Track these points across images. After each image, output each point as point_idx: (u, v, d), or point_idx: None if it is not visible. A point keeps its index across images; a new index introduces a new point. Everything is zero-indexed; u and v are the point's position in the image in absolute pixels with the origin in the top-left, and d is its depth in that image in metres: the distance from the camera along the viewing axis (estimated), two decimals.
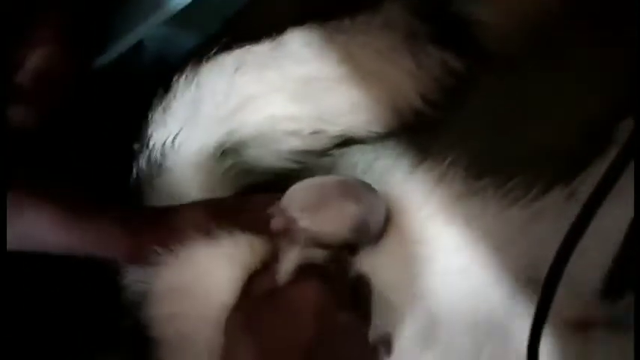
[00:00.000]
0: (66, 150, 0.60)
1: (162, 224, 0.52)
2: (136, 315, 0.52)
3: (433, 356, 0.50)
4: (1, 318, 0.46)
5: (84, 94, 0.59)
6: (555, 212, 0.49)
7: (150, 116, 0.57)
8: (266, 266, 0.49)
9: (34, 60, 0.53)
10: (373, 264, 0.51)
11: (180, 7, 0.59)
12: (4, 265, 0.47)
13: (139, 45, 0.63)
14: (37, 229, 0.50)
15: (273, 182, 0.57)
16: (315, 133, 0.56)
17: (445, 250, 0.52)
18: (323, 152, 0.57)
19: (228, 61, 0.55)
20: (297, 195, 0.51)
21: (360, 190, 0.51)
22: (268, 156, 0.57)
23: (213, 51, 0.55)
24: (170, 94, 0.56)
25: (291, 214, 0.50)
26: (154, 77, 0.59)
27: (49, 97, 0.55)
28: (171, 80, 0.57)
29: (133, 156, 0.57)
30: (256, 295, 0.46)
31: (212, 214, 0.51)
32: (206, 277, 0.50)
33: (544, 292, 0.39)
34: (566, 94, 0.55)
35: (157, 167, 0.56)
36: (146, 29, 0.61)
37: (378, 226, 0.52)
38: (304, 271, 0.46)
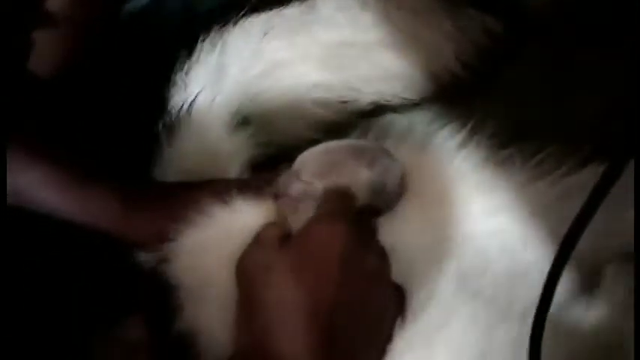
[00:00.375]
0: (81, 105, 0.57)
1: (173, 199, 0.50)
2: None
3: (466, 311, 0.49)
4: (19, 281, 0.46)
5: (106, 45, 0.56)
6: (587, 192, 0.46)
7: (172, 79, 0.54)
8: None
9: None
10: (392, 229, 0.49)
11: None
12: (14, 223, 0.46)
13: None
14: (32, 188, 0.48)
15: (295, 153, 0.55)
16: (344, 101, 0.54)
17: (470, 214, 0.50)
18: (351, 122, 0.55)
19: (255, 24, 0.53)
20: (308, 160, 0.49)
21: (373, 153, 0.50)
22: (293, 125, 0.55)
23: (241, 13, 0.52)
24: (194, 57, 0.54)
25: (303, 179, 0.48)
26: (178, 33, 0.57)
27: (72, 43, 0.53)
28: (195, 40, 0.54)
29: (152, 119, 0.55)
30: (272, 240, 0.44)
31: (223, 191, 0.49)
32: (227, 234, 0.48)
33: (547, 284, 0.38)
34: (613, 68, 0.52)
35: (176, 131, 0.54)
36: None
37: (394, 189, 0.50)
38: (325, 215, 0.45)
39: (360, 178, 0.48)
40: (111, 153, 0.54)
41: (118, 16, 0.57)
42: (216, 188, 0.50)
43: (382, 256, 0.44)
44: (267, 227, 0.46)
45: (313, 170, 0.48)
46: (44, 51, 0.51)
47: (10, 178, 0.46)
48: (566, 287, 0.47)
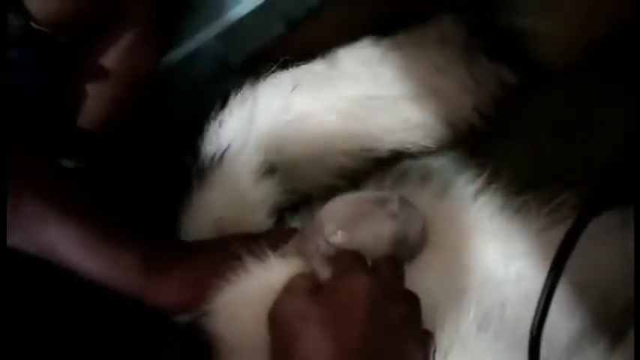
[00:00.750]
0: (124, 158, 0.59)
1: (200, 266, 0.51)
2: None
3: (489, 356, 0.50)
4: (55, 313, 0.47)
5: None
6: (602, 239, 0.47)
7: (205, 129, 0.57)
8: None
9: (121, 47, 0.52)
10: (412, 277, 0.50)
11: (238, 16, 0.58)
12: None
13: (199, 51, 0.61)
14: (54, 243, 0.47)
15: (318, 200, 0.56)
16: (366, 150, 0.56)
17: (488, 261, 0.51)
18: (371, 169, 0.57)
19: (284, 79, 0.55)
20: (333, 211, 0.51)
21: (396, 204, 0.50)
22: (316, 173, 0.57)
23: (271, 69, 0.55)
24: (226, 109, 0.57)
25: (328, 231, 0.49)
26: (212, 86, 0.60)
27: (122, 98, 0.54)
28: (228, 92, 0.57)
29: (185, 169, 0.57)
30: (302, 291, 0.45)
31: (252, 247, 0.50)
32: (262, 288, 0.50)
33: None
34: (627, 111, 0.53)
35: (207, 179, 0.56)
36: (207, 35, 0.60)
37: (416, 239, 0.51)
38: (346, 261, 0.46)
39: (384, 228, 0.49)
40: (143, 202, 0.57)
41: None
42: (243, 245, 0.50)
43: (411, 302, 0.45)
44: (297, 277, 0.47)
45: (337, 222, 0.49)
46: (94, 105, 0.53)
47: (34, 232, 0.47)
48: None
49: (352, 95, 0.55)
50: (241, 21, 0.57)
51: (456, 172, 0.56)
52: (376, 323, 0.42)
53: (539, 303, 0.40)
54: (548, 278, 0.40)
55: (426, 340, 0.45)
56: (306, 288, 0.45)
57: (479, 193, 0.53)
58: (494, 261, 0.51)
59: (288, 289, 0.46)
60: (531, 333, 0.40)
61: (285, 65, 0.56)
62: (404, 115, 0.56)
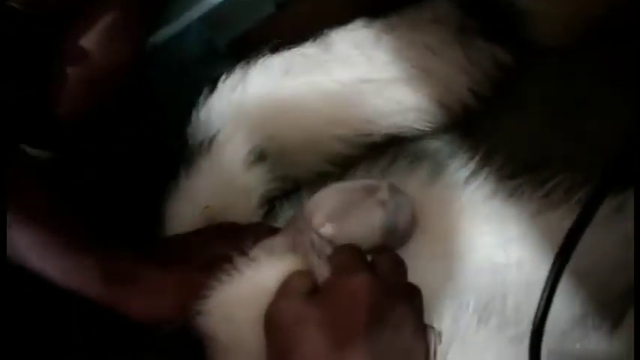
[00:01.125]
0: (105, 144, 0.57)
1: (170, 271, 0.48)
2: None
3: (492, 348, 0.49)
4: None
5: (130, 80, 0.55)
6: (599, 224, 0.44)
7: (193, 114, 0.55)
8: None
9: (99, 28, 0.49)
10: None
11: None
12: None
13: (185, 32, 0.58)
14: (21, 249, 0.46)
15: (309, 187, 0.56)
16: (361, 135, 0.55)
17: (482, 246, 0.51)
18: (365, 154, 0.56)
19: (276, 63, 0.54)
20: (321, 202, 0.49)
21: (386, 191, 0.50)
22: (309, 160, 0.56)
23: (261, 53, 0.54)
24: (215, 94, 0.55)
25: (317, 222, 0.48)
26: (200, 67, 0.58)
27: (103, 84, 0.52)
28: (217, 75, 0.55)
29: (171, 154, 0.56)
30: (298, 292, 0.44)
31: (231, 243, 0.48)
32: (254, 287, 0.48)
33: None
34: (622, 95, 0.53)
35: (195, 167, 0.55)
36: (191, 17, 0.57)
37: (406, 226, 0.50)
38: (345, 259, 0.45)
39: (374, 217, 0.48)
40: (127, 190, 0.55)
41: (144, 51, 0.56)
42: (227, 244, 0.48)
43: (412, 296, 0.44)
44: (293, 277, 0.46)
45: (326, 213, 0.48)
46: (70, 91, 0.51)
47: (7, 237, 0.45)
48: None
49: (345, 79, 0.54)
50: (227, 2, 0.55)
51: (448, 156, 0.55)
52: (378, 324, 0.40)
53: (542, 295, 0.39)
54: (551, 269, 0.39)
55: (427, 334, 0.44)
56: (303, 289, 0.44)
57: (471, 176, 0.52)
58: (490, 247, 0.50)
59: (285, 291, 0.45)
60: (533, 324, 0.39)
61: (275, 48, 0.54)
62: (398, 98, 0.55)
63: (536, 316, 0.39)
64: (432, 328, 0.44)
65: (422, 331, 0.43)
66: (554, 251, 0.46)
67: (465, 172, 0.52)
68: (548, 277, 0.38)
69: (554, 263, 0.39)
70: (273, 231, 0.50)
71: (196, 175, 0.54)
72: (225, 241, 0.49)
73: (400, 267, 0.46)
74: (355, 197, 0.49)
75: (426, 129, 0.57)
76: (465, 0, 0.56)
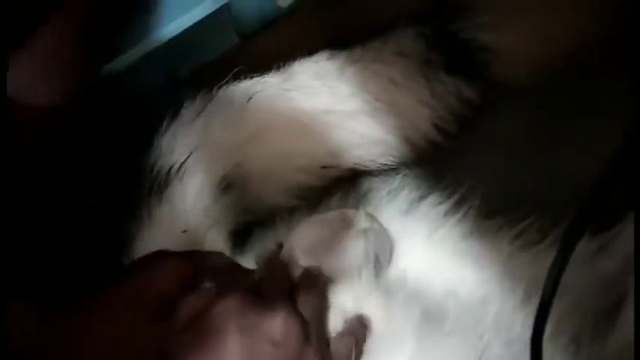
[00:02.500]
0: (56, 171, 0.54)
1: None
2: None
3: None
4: None
5: (86, 107, 0.53)
6: (579, 266, 0.45)
7: (156, 141, 0.54)
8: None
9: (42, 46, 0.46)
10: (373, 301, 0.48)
11: (183, 27, 0.56)
12: None
13: (142, 62, 0.57)
14: None
15: (276, 218, 0.55)
16: (325, 167, 0.55)
17: (456, 286, 0.50)
18: (331, 187, 0.56)
19: (240, 90, 0.53)
20: (301, 237, 0.49)
21: (364, 221, 0.50)
22: (274, 192, 0.55)
23: (224, 81, 0.53)
24: (179, 120, 0.54)
25: (297, 257, 0.48)
26: (161, 96, 0.57)
27: (46, 112, 0.49)
28: (179, 103, 0.55)
29: (135, 181, 0.54)
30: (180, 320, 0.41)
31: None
32: None
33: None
34: (596, 129, 0.52)
35: (159, 195, 0.53)
36: (156, 42, 0.56)
37: (386, 255, 0.50)
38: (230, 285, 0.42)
39: (356, 247, 0.48)
40: (86, 219, 0.53)
41: (98, 77, 0.55)
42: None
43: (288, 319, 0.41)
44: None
45: (307, 247, 0.48)
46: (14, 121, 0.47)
47: None
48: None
49: (308, 109, 0.53)
50: (188, 32, 0.54)
51: (418, 192, 0.54)
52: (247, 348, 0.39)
53: (542, 297, 0.37)
54: (552, 268, 0.37)
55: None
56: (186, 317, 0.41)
57: (447, 214, 0.52)
58: (464, 283, 0.49)
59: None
60: (533, 331, 0.38)
61: (237, 77, 0.54)
62: (361, 131, 0.55)
63: (536, 321, 0.37)
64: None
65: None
66: (526, 292, 0.47)
67: (441, 209, 0.52)
68: (548, 277, 0.36)
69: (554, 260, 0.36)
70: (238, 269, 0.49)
71: (162, 207, 0.53)
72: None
73: (282, 283, 0.44)
74: (335, 228, 0.49)
75: (392, 164, 0.57)
76: (430, 34, 0.55)
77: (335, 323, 0.46)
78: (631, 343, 0.41)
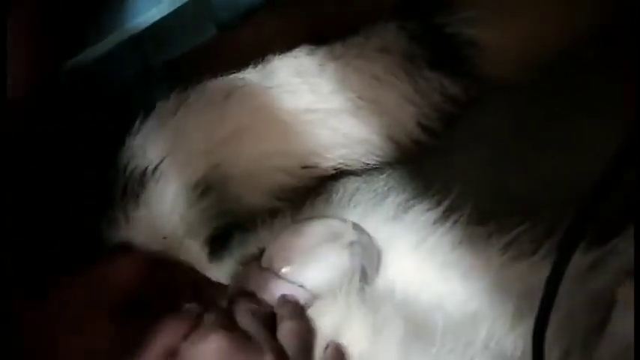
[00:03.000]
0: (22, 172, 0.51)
1: None
2: None
3: None
4: None
5: (47, 103, 0.51)
6: (572, 280, 0.43)
7: (128, 141, 0.52)
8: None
9: None
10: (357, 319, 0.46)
11: (154, 18, 0.53)
12: None
13: (111, 55, 0.54)
14: None
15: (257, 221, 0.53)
16: (306, 167, 0.53)
17: (444, 297, 0.48)
18: (314, 188, 0.54)
19: (218, 87, 0.51)
20: (283, 245, 0.48)
21: (351, 233, 0.49)
22: (254, 193, 0.53)
23: (201, 77, 0.51)
24: (152, 120, 0.52)
25: (278, 267, 0.47)
26: (134, 91, 0.55)
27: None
28: (153, 98, 0.52)
29: (106, 184, 0.51)
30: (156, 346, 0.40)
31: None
32: None
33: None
34: (590, 129, 0.51)
35: (135, 198, 0.51)
36: (128, 33, 0.54)
37: (373, 266, 0.49)
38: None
39: (341, 261, 0.47)
40: (57, 223, 0.50)
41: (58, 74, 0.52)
42: None
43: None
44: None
45: (288, 257, 0.47)
46: None
47: None
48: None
49: (289, 108, 0.51)
50: (164, 22, 0.52)
51: (405, 195, 0.53)
52: None
53: (543, 297, 0.35)
54: (555, 263, 0.35)
55: None
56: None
57: (438, 221, 0.50)
58: (452, 295, 0.47)
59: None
60: (534, 330, 0.36)
61: (215, 72, 0.51)
62: (344, 129, 0.53)
63: (537, 320, 0.36)
64: None
65: None
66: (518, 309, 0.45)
67: (432, 216, 0.50)
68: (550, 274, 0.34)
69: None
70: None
71: (136, 210, 0.51)
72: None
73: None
74: (319, 239, 0.48)
75: (375, 164, 0.55)
76: (414, 29, 0.54)
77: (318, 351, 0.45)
78: (622, 348, 0.41)
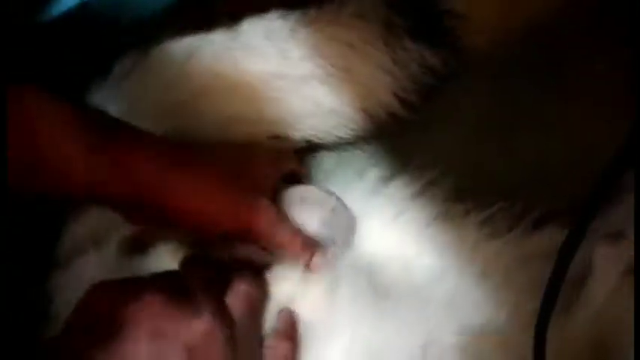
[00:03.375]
0: None
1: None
2: None
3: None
4: None
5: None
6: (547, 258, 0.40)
7: (88, 98, 0.50)
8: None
9: None
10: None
11: None
12: None
13: (81, 9, 0.51)
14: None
15: None
16: (273, 138, 0.50)
17: (419, 273, 0.47)
18: None
19: (180, 47, 0.49)
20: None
21: (322, 200, 0.48)
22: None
23: (163, 36, 0.49)
24: (113, 77, 0.50)
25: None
26: (98, 47, 0.52)
27: None
28: (115, 57, 0.50)
29: None
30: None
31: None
32: None
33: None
34: (568, 107, 0.50)
35: None
36: None
37: (346, 240, 0.48)
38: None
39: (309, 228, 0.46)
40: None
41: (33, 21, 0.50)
42: None
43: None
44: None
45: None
46: None
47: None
48: None
49: (255, 72, 0.49)
50: None
51: (387, 171, 0.51)
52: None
53: (545, 294, 0.35)
54: (558, 262, 0.35)
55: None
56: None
57: (416, 195, 0.49)
58: (424, 273, 0.46)
59: None
60: (536, 328, 0.36)
61: (179, 31, 0.49)
62: (315, 99, 0.50)
63: (539, 318, 0.36)
64: None
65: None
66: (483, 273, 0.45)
67: (406, 191, 0.49)
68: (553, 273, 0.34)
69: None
70: None
71: None
72: None
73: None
74: (289, 202, 0.47)
75: (349, 137, 0.52)
76: None
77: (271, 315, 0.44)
78: (596, 312, 0.41)
